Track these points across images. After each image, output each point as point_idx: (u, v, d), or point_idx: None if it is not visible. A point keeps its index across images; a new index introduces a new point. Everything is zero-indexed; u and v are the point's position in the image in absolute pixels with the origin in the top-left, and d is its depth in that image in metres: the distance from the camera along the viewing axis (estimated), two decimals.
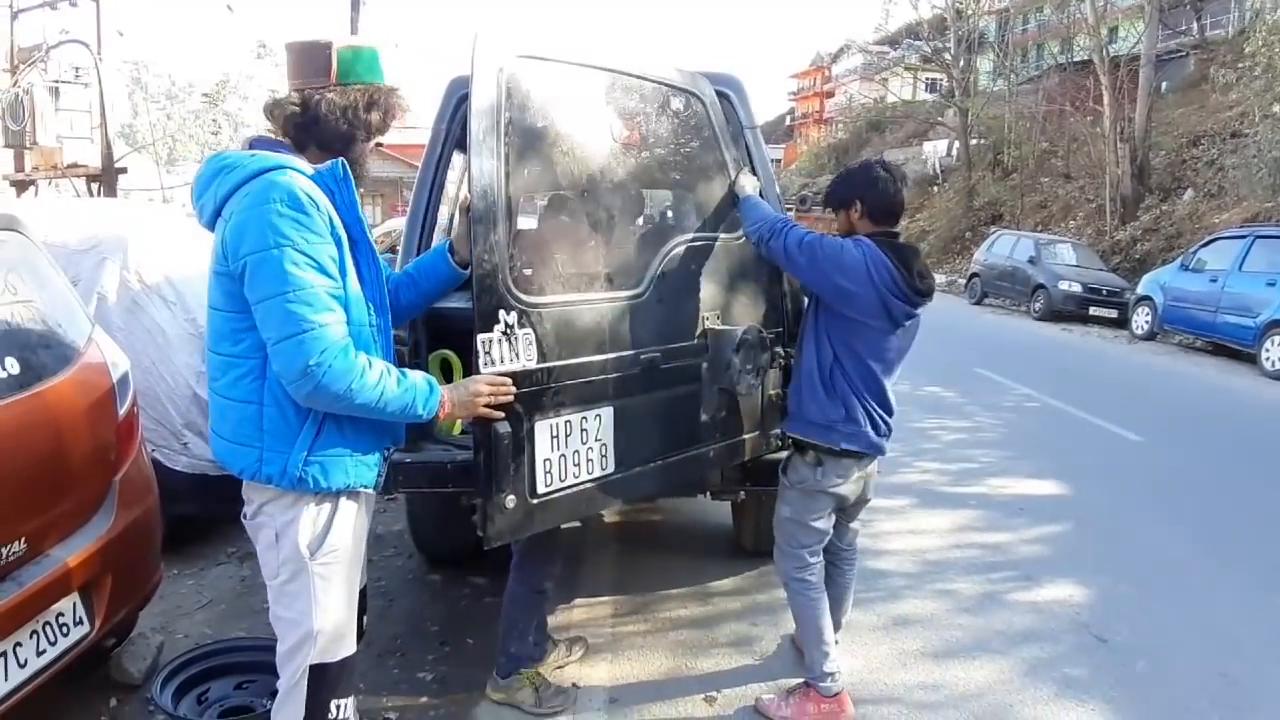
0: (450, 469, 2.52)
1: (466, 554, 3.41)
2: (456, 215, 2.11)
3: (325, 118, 1.73)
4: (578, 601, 3.36)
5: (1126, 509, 4.83)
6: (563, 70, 2.20)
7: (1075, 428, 6.81)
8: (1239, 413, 7.99)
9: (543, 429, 2.08)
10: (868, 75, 40.58)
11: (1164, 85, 21.75)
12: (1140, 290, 12.66)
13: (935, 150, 29.13)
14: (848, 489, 2.61)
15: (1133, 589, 3.73)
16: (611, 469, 2.28)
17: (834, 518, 2.69)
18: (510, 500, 2.02)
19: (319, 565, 1.76)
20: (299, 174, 1.66)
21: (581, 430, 2.19)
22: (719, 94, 2.82)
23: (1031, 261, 15.00)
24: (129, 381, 2.59)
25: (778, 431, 2.79)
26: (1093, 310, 13.87)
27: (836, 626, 2.78)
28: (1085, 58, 21.72)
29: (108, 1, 13.32)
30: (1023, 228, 19.71)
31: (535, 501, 2.09)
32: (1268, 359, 9.73)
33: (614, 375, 2.26)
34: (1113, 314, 13.67)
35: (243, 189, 1.65)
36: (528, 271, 2.08)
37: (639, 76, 2.46)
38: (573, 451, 2.17)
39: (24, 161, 13.21)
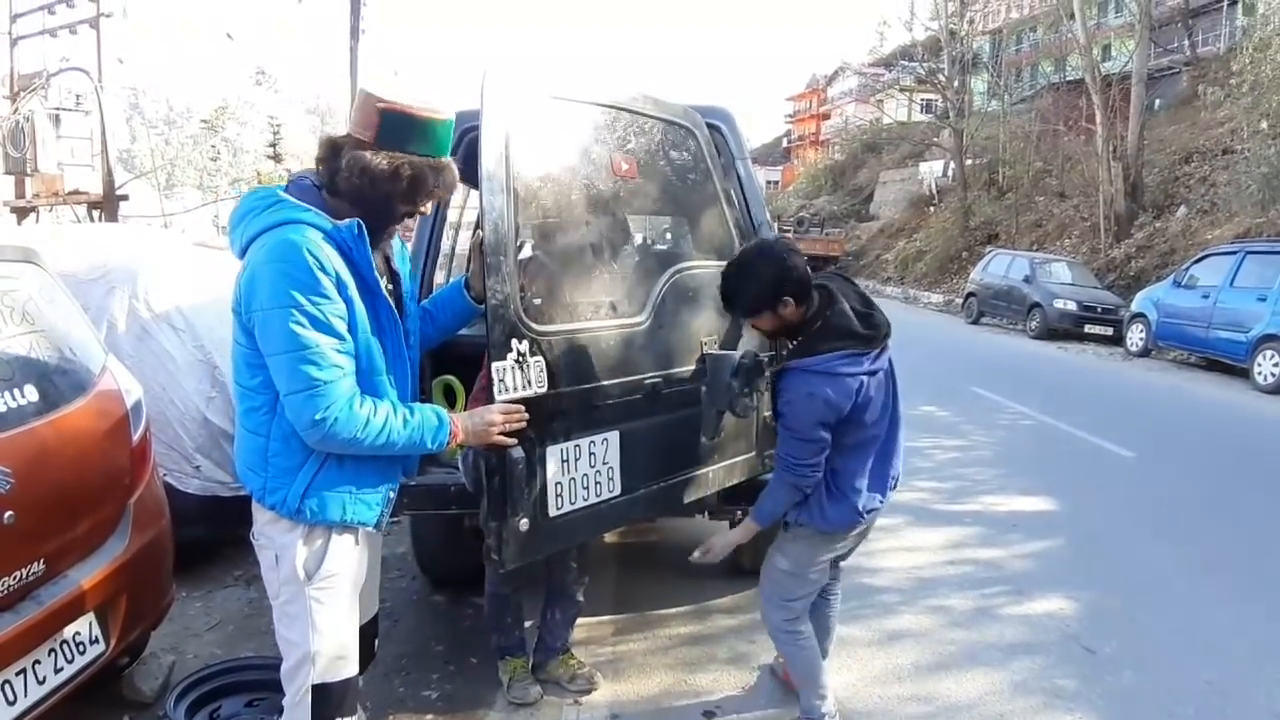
0: (453, 492, 2.60)
1: (470, 575, 3.47)
2: (470, 253, 2.18)
3: (357, 176, 1.73)
4: (579, 620, 3.41)
5: (1117, 524, 4.90)
6: (568, 106, 2.29)
7: (1069, 445, 6.88)
8: (1231, 427, 8.06)
9: (553, 453, 2.15)
10: (863, 97, 40.93)
11: (1156, 103, 21.97)
12: (1134, 307, 12.75)
13: (931, 170, 29.36)
14: (850, 543, 2.57)
15: (1121, 601, 3.80)
16: (618, 491, 2.35)
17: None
18: (524, 524, 2.07)
19: (316, 590, 1.84)
20: (316, 229, 1.70)
21: (590, 454, 2.26)
22: (710, 126, 2.93)
23: (1027, 280, 15.11)
24: (142, 408, 2.67)
25: (770, 452, 2.86)
26: (1088, 328, 13.95)
27: (824, 654, 2.74)
28: (1078, 77, 21.98)
29: (108, 29, 13.41)
30: (1018, 247, 19.84)
31: (547, 524, 2.15)
32: (1260, 373, 9.82)
33: (620, 400, 2.33)
34: (1108, 331, 13.76)
35: (262, 238, 1.71)
36: (537, 301, 2.14)
37: (637, 112, 2.55)
38: (581, 475, 2.24)
39: (25, 188, 13.33)
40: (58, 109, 14.32)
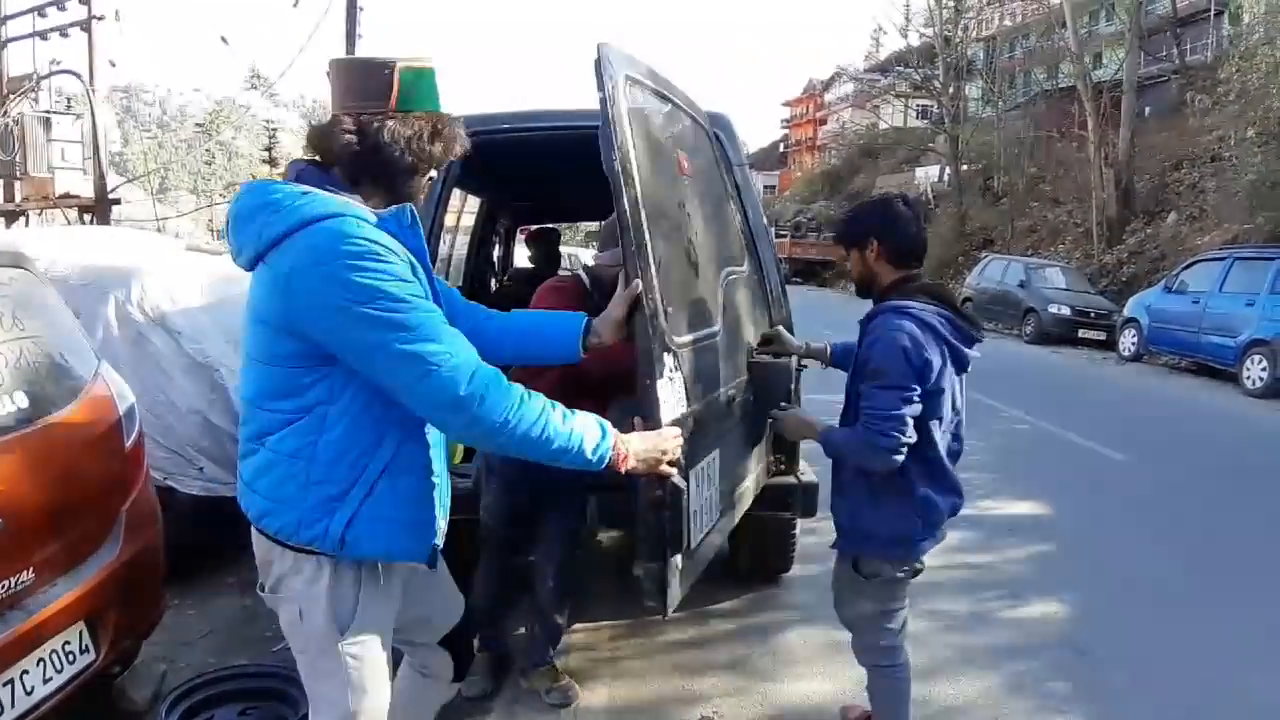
0: (453, 497, 2.58)
1: (465, 583, 3.45)
2: (620, 300, 1.86)
3: (386, 148, 1.52)
4: (577, 626, 3.40)
5: (1110, 527, 4.93)
6: (643, 92, 2.12)
7: (1063, 448, 6.90)
8: (1221, 431, 8.13)
9: (693, 478, 1.94)
10: (859, 102, 41.09)
11: (1147, 110, 22.11)
12: (1127, 312, 12.86)
13: (927, 176, 29.51)
14: (919, 562, 2.35)
15: (1114, 605, 3.82)
16: (719, 514, 2.21)
17: None
18: (679, 561, 1.89)
19: (350, 646, 1.60)
20: (363, 221, 1.47)
21: (707, 476, 2.09)
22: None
23: (1022, 286, 15.20)
24: (135, 414, 2.65)
25: (776, 456, 2.86)
26: (1082, 332, 14.05)
27: None
28: (1070, 84, 22.11)
29: (99, 31, 13.35)
30: (1013, 252, 19.93)
31: (688, 559, 1.94)
32: (1248, 377, 9.91)
33: (718, 415, 2.19)
34: (1101, 336, 13.85)
35: (293, 237, 1.44)
36: (669, 309, 1.92)
37: (681, 106, 2.44)
38: (704, 498, 2.06)
39: (14, 192, 13.27)
40: (48, 112, 14.25)
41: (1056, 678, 3.13)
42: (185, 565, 3.56)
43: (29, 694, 2.09)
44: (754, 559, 3.77)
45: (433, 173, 1.63)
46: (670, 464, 1.69)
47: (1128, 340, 12.61)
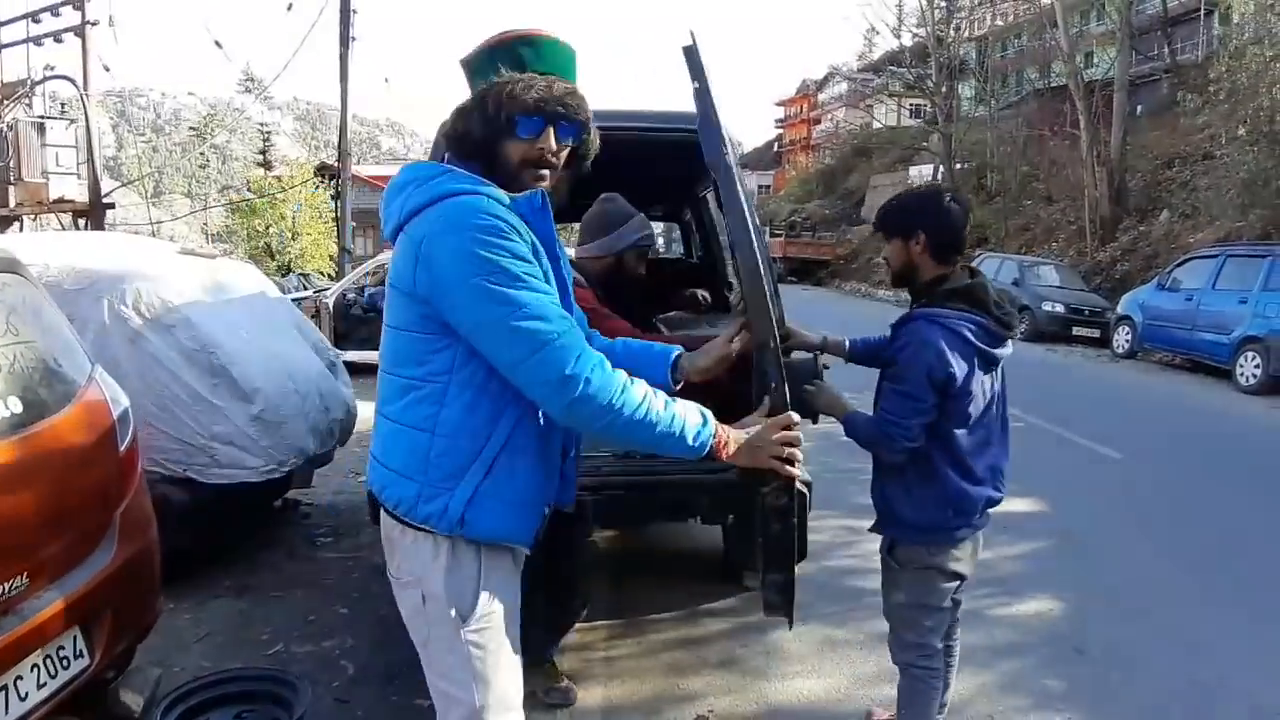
0: None
1: None
2: (730, 338, 1.82)
3: (472, 112, 1.55)
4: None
5: (1105, 525, 4.94)
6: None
7: (1058, 446, 6.92)
8: (1214, 428, 8.16)
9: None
10: (853, 102, 41.24)
11: (1138, 109, 22.22)
12: (1120, 310, 12.90)
13: (921, 175, 29.57)
14: (966, 564, 2.30)
15: (1109, 602, 3.83)
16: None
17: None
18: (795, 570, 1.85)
19: (473, 634, 1.57)
20: (494, 200, 1.49)
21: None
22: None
23: (1016, 284, 15.22)
24: (129, 418, 2.65)
25: None
26: (1076, 330, 14.10)
27: (941, 709, 2.51)
28: (1062, 83, 22.21)
29: (93, 36, 13.34)
30: (1007, 250, 20.02)
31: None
32: (1241, 374, 9.96)
33: None
34: (1095, 334, 13.91)
35: (429, 210, 1.49)
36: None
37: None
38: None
39: (9, 197, 13.25)
40: (42, 117, 14.26)
41: (1052, 675, 3.15)
42: (180, 569, 3.57)
43: (23, 699, 2.09)
44: (749, 556, 3.78)
45: (509, 141, 1.54)
46: (788, 461, 1.61)
47: (1121, 337, 12.66)
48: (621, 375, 1.49)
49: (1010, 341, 2.25)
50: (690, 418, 1.53)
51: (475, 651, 1.57)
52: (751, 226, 1.80)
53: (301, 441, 3.86)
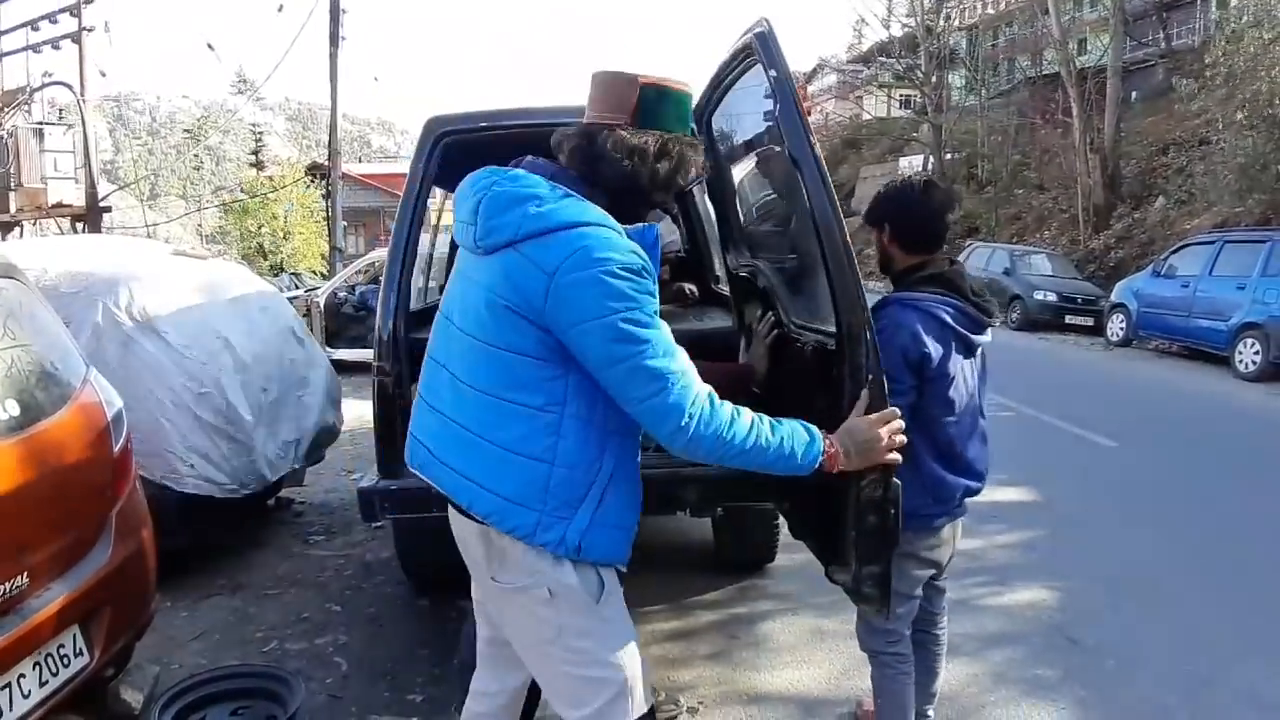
0: (434, 495, 2.61)
1: (453, 579, 3.49)
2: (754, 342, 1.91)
3: (609, 155, 1.56)
4: None
5: (1098, 513, 4.96)
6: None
7: (1050, 435, 6.94)
8: (1211, 415, 8.16)
9: None
10: (843, 94, 41.12)
11: (1133, 95, 22.20)
12: (1114, 297, 12.89)
13: (911, 166, 29.50)
14: (942, 552, 2.35)
15: (1103, 591, 3.84)
16: None
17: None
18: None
19: (608, 610, 1.62)
20: (621, 235, 1.52)
21: None
22: None
23: (1007, 273, 15.21)
24: (123, 419, 2.68)
25: None
26: (1069, 319, 14.07)
27: (930, 699, 2.55)
28: (1054, 71, 22.19)
29: (90, 43, 13.36)
30: (999, 239, 19.99)
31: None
32: (1240, 361, 9.94)
33: None
34: (1089, 322, 13.89)
35: (561, 234, 1.47)
36: None
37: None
38: None
39: (9, 202, 13.29)
40: (41, 123, 14.29)
41: (1044, 664, 3.16)
42: (176, 568, 3.61)
43: (26, 697, 2.12)
44: (737, 549, 3.82)
45: (664, 197, 1.65)
46: (890, 450, 1.69)
47: (1116, 325, 12.65)
48: (729, 407, 1.54)
49: (990, 330, 2.27)
50: (798, 437, 1.59)
51: (615, 627, 1.63)
52: (837, 219, 1.82)
53: (264, 469, 3.85)
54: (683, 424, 1.48)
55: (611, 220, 1.52)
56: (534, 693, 1.86)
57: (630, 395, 1.49)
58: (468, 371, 1.58)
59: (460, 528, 1.69)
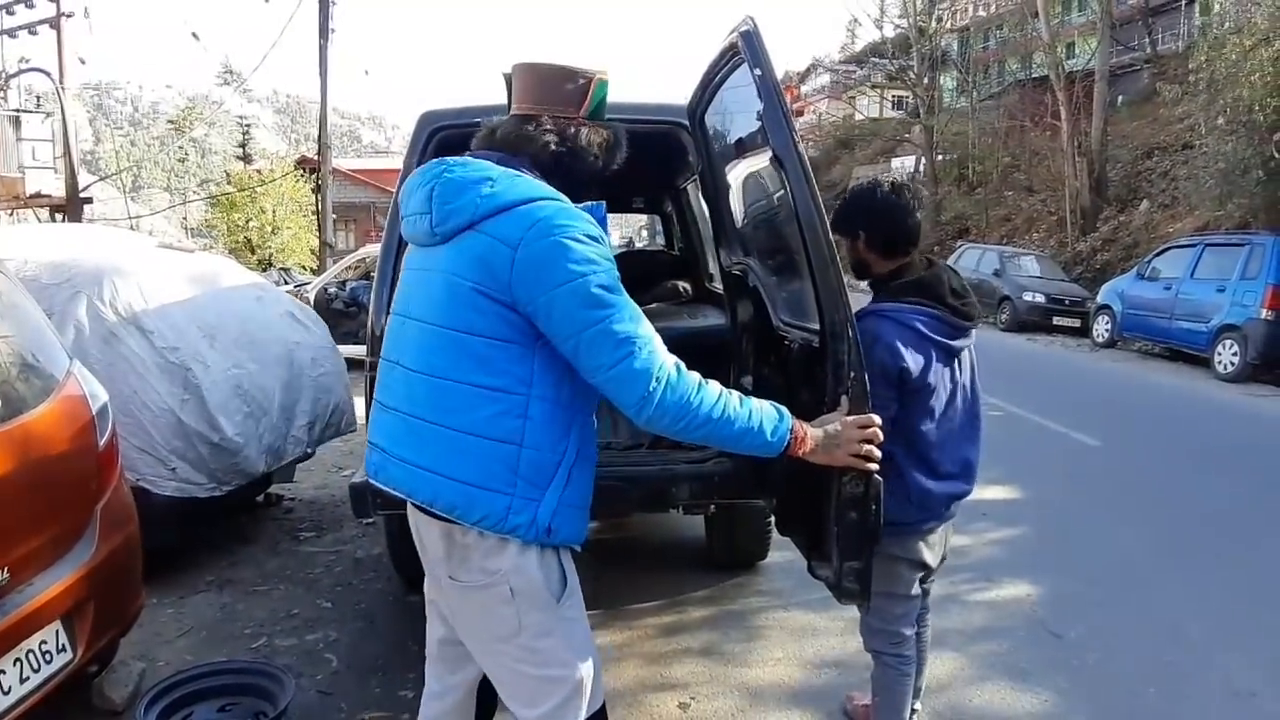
0: None
1: None
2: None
3: (584, 151, 1.64)
4: None
5: (1082, 511, 5.01)
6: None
7: (1036, 435, 7.00)
8: (1192, 415, 8.27)
9: None
10: (835, 94, 41.23)
11: (1119, 99, 22.37)
12: (1100, 299, 13.01)
13: (903, 166, 29.66)
14: (932, 554, 2.30)
15: (1087, 586, 3.89)
16: None
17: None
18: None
19: (568, 609, 1.62)
20: (573, 208, 1.55)
21: None
22: (682, 126, 3.00)
23: (997, 274, 15.30)
24: (108, 413, 2.65)
25: None
26: (1056, 320, 14.17)
27: (916, 693, 2.52)
28: (1043, 74, 22.33)
29: (69, 29, 13.18)
30: (989, 241, 20.09)
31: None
32: (1220, 362, 10.08)
33: None
34: (1076, 323, 13.99)
35: (519, 209, 1.49)
36: None
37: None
38: None
39: None
40: (17, 110, 14.07)
41: (1028, 657, 3.20)
42: (162, 564, 3.58)
43: (6, 693, 2.09)
44: (730, 546, 3.82)
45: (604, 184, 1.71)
46: (866, 457, 1.70)
47: (1101, 327, 12.78)
48: (696, 376, 1.53)
49: (973, 331, 2.24)
50: (766, 413, 1.58)
51: (574, 626, 1.63)
52: (820, 217, 1.82)
53: (250, 465, 3.79)
54: (650, 389, 1.47)
55: (564, 197, 1.56)
56: (490, 696, 1.81)
57: (597, 362, 1.48)
58: (422, 360, 1.56)
59: (420, 526, 1.65)
